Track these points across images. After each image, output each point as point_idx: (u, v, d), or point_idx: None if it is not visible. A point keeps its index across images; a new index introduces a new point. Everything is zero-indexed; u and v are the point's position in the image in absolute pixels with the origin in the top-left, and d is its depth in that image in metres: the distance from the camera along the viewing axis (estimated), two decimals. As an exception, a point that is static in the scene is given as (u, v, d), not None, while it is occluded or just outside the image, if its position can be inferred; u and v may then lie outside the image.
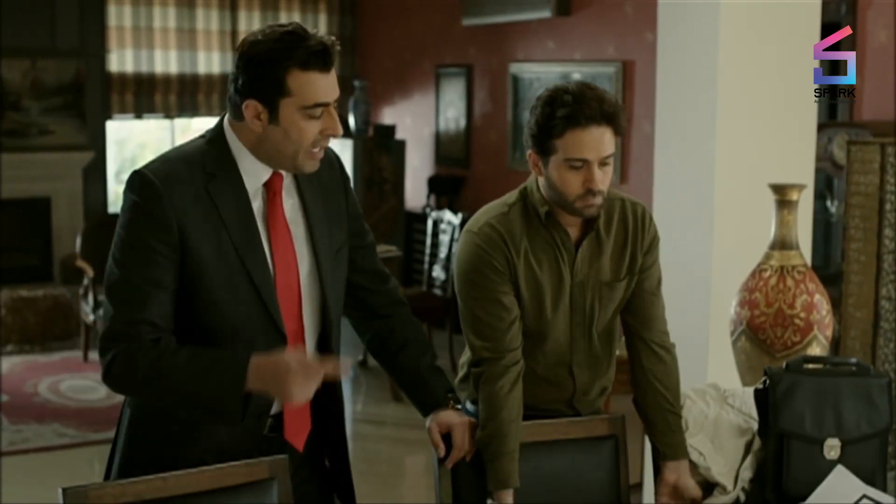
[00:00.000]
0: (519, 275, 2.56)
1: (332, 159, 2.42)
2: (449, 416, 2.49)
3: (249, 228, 2.23)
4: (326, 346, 2.38)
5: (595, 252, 2.61)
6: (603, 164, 2.48)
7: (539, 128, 2.49)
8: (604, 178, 2.49)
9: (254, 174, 2.25)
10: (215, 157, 2.23)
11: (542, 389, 2.66)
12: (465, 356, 2.71)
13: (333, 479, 2.48)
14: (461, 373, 2.72)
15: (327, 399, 2.38)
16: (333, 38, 2.21)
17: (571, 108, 2.44)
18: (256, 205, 2.26)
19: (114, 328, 2.15)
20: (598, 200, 2.51)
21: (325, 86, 2.18)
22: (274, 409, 2.31)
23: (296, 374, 2.10)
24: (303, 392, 2.13)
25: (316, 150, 2.23)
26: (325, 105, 2.19)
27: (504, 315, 2.55)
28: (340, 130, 2.24)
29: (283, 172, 2.29)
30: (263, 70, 2.15)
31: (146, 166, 2.21)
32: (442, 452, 2.49)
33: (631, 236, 2.63)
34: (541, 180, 2.58)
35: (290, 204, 2.32)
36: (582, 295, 2.60)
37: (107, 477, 2.34)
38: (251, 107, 2.18)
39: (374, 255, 2.55)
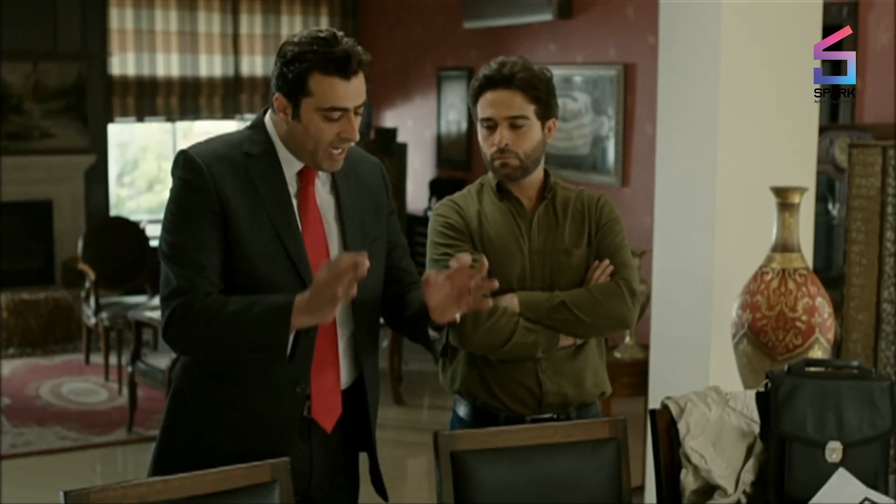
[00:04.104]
0: (476, 239, 2.76)
1: (377, 165, 2.64)
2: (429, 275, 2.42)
3: (285, 205, 2.38)
4: (363, 329, 2.48)
5: (551, 222, 2.79)
6: (513, 125, 2.74)
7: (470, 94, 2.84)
8: (515, 139, 2.74)
9: (289, 163, 2.41)
10: (256, 141, 2.40)
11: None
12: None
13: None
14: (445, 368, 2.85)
15: (357, 387, 2.49)
16: (362, 49, 2.34)
17: (489, 73, 2.76)
18: (291, 189, 2.41)
19: (174, 286, 2.31)
20: (512, 160, 2.74)
21: (343, 92, 2.31)
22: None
23: (325, 283, 2.19)
24: (334, 298, 2.19)
25: (336, 151, 2.37)
26: (343, 110, 2.32)
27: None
28: (356, 136, 2.37)
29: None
30: (289, 68, 2.32)
31: (190, 147, 2.39)
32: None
33: (587, 214, 2.81)
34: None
35: (323, 194, 2.46)
36: (541, 262, 2.77)
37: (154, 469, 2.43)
38: (279, 100, 2.36)
39: (407, 256, 2.66)
